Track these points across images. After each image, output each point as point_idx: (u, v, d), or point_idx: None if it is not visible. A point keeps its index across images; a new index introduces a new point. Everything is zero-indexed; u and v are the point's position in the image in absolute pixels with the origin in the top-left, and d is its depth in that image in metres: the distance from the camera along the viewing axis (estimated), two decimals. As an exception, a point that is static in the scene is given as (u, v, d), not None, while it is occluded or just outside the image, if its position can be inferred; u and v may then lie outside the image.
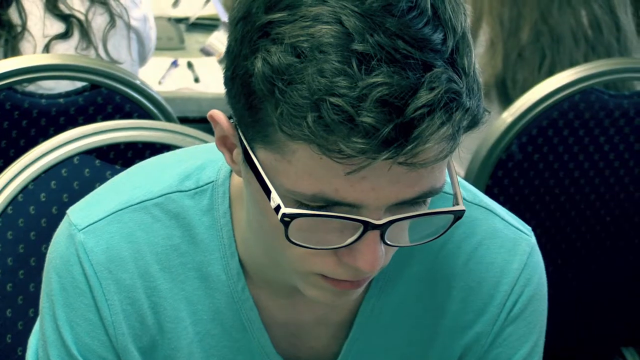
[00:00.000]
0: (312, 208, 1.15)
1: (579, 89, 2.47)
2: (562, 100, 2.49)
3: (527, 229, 1.49)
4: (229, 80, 1.19)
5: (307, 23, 1.10)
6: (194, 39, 3.35)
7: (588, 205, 2.53)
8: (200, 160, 1.45)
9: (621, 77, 2.54)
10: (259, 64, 1.12)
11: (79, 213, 1.42)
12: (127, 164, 1.57)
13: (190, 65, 3.19)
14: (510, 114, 2.49)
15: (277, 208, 1.15)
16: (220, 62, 3.17)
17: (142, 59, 2.75)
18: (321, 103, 1.08)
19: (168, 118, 2.21)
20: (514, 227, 1.48)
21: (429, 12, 1.10)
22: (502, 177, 2.49)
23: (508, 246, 1.46)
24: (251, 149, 1.19)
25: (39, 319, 1.47)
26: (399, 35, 1.08)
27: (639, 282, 2.54)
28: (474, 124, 1.15)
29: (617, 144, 2.58)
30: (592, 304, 2.25)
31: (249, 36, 1.15)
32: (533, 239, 1.49)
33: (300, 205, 1.15)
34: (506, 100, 2.51)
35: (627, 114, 2.55)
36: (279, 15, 1.11)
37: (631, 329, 2.76)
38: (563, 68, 2.52)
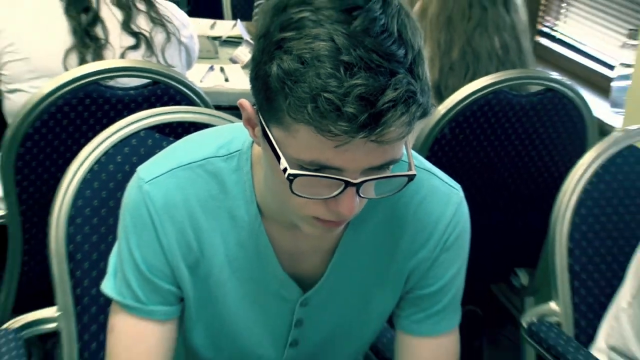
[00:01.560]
0: (309, 170, 1.17)
1: (491, 90, 2.47)
2: (479, 98, 2.49)
3: (457, 186, 1.51)
4: (253, 80, 1.21)
5: (309, 40, 1.11)
6: (225, 52, 3.33)
7: (496, 171, 2.55)
8: (231, 135, 1.46)
9: (520, 83, 2.53)
10: (274, 68, 1.13)
11: (145, 170, 1.42)
12: (178, 137, 1.55)
13: (222, 69, 3.18)
14: (444, 107, 2.49)
15: (285, 170, 1.17)
16: (243, 67, 3.17)
17: (189, 65, 2.71)
18: (317, 97, 1.09)
19: (206, 105, 2.19)
20: (448, 184, 1.49)
21: (395, 34, 1.11)
22: (437, 151, 2.51)
23: (444, 199, 1.47)
24: (267, 127, 1.20)
25: (116, 243, 1.47)
26: (374, 50, 1.10)
27: (528, 224, 2.55)
28: (424, 114, 1.16)
29: (517, 128, 2.58)
30: (497, 239, 2.26)
31: (267, 48, 1.16)
32: (461, 193, 1.50)
33: (301, 168, 1.17)
34: (440, 98, 2.53)
35: (524, 108, 2.56)
36: (289, 34, 1.12)
37: (523, 255, 2.76)
38: (481, 77, 2.54)
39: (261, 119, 1.24)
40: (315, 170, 1.20)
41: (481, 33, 2.76)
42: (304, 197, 1.24)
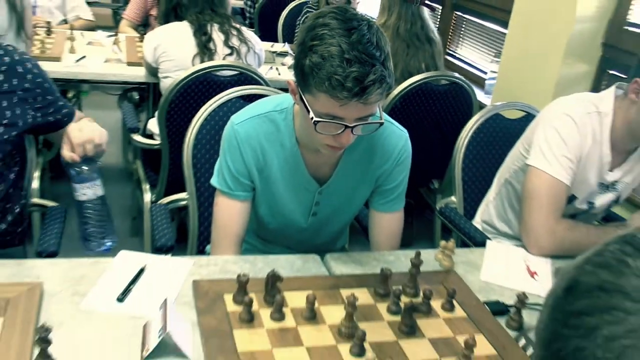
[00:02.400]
0: (325, 118, 1.32)
1: (422, 82, 2.73)
2: (416, 85, 2.73)
3: (405, 130, 1.63)
4: (295, 68, 1.35)
5: (326, 45, 1.26)
6: (278, 60, 3.50)
7: (425, 125, 2.82)
8: (282, 99, 1.58)
9: (437, 78, 2.79)
10: (307, 61, 1.28)
11: (235, 117, 1.56)
12: (252, 101, 1.64)
13: (277, 69, 3.33)
14: (396, 90, 2.72)
15: (312, 118, 1.32)
16: (288, 68, 3.31)
17: (259, 65, 2.86)
18: (331, 78, 1.24)
19: (267, 85, 2.31)
20: (400, 129, 1.62)
21: (375, 43, 1.27)
22: (393, 113, 2.70)
23: (398, 136, 1.61)
24: (302, 94, 1.34)
25: (218, 158, 1.60)
26: (363, 52, 1.25)
27: (440, 155, 2.69)
28: (389, 89, 1.31)
29: (436, 103, 2.83)
30: (424, 162, 2.42)
31: (303, 51, 1.30)
32: (407, 134, 1.62)
33: (320, 117, 1.32)
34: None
35: (440, 92, 2.81)
36: (315, 42, 1.27)
37: (437, 172, 3.03)
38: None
39: (299, 90, 1.37)
40: (329, 119, 1.33)
41: (413, 56, 2.97)
42: (323, 133, 1.37)
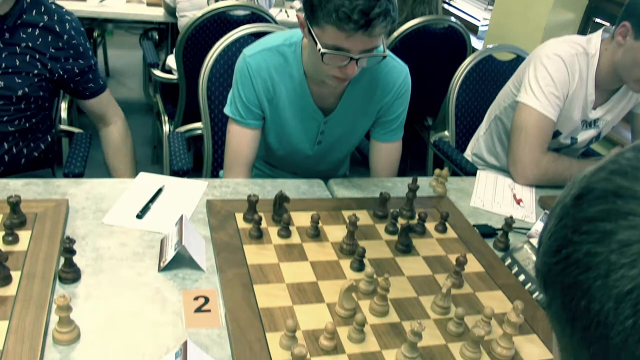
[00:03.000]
0: (332, 50, 1.26)
1: (422, 24, 2.65)
2: (415, 28, 2.66)
3: (405, 65, 1.55)
4: (305, 3, 1.27)
5: None
6: (288, 3, 3.38)
7: (423, 62, 2.67)
8: (291, 33, 1.51)
9: (436, 22, 2.69)
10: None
11: (247, 49, 1.50)
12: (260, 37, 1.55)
13: (286, 11, 3.24)
14: (397, 32, 2.63)
15: (319, 50, 1.25)
16: (297, 10, 3.21)
17: (269, 8, 2.77)
18: (338, 10, 1.18)
19: (276, 23, 2.25)
20: (400, 63, 1.54)
21: None
22: (395, 50, 2.56)
23: (399, 70, 1.53)
24: (310, 27, 1.27)
25: (231, 89, 1.54)
26: None
27: (435, 92, 2.69)
28: (393, 22, 1.23)
29: (434, 44, 2.74)
30: (421, 99, 2.31)
31: None
32: (407, 69, 1.55)
33: (327, 48, 1.25)
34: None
35: (438, 34, 2.72)
36: None
37: (431, 109, 2.96)
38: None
39: (307, 23, 1.30)
40: (335, 50, 1.27)
41: (419, 5, 2.86)
42: (329, 65, 1.31)
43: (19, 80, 1.48)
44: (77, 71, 1.58)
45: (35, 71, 1.50)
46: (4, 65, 1.45)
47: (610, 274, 0.35)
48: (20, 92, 1.48)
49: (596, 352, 0.35)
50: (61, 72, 1.55)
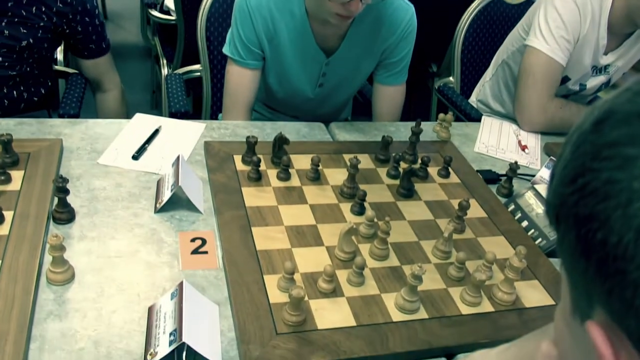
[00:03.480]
0: None
1: None
2: None
3: (411, 5, 1.50)
4: None
5: None
6: None
7: (424, 13, 2.40)
8: None
9: None
10: None
11: None
12: None
13: None
14: None
15: None
16: None
17: None
18: None
19: None
20: (406, 3, 1.49)
21: None
22: None
23: (405, 10, 1.48)
24: None
25: (230, 29, 1.47)
26: None
27: (441, 36, 2.49)
28: None
29: None
30: (426, 44, 2.21)
31: None
32: (413, 9, 1.49)
33: None
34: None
35: None
36: None
37: (436, 55, 2.86)
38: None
39: None
40: None
41: None
42: (334, 1, 1.27)
43: (24, 31, 1.44)
44: (80, 29, 1.54)
45: (41, 23, 1.46)
46: (10, 13, 1.41)
47: (631, 203, 0.32)
48: (24, 43, 1.45)
49: (612, 288, 0.33)
50: (65, 27, 1.51)
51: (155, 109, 3.03)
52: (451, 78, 2.12)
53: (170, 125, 1.40)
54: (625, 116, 0.34)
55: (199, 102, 1.94)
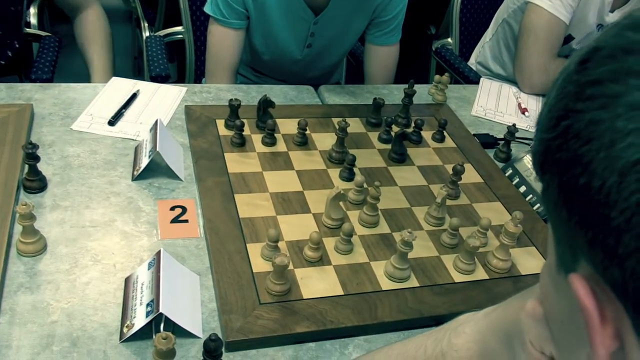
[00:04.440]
0: None
1: None
2: None
3: None
4: None
5: None
6: None
7: None
8: None
9: None
10: None
11: None
12: None
13: None
14: None
15: None
16: None
17: None
18: None
19: None
20: None
21: None
22: None
23: None
24: None
25: None
26: None
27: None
28: None
29: None
30: (419, 4, 2.23)
31: None
32: None
33: None
34: None
35: None
36: None
37: (434, 18, 2.77)
38: None
39: None
40: None
41: None
42: None
43: None
44: None
45: None
46: None
47: (615, 144, 0.31)
48: None
49: (595, 236, 0.32)
50: None
51: (137, 75, 2.99)
52: (449, 39, 2.09)
53: (148, 89, 1.39)
54: (611, 51, 0.33)
55: (184, 69, 1.91)
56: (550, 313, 0.41)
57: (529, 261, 1.04)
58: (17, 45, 1.60)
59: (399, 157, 1.25)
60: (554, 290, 0.39)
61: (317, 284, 0.92)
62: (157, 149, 1.07)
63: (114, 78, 1.41)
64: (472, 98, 1.61)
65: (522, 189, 1.23)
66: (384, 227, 1.06)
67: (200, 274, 0.92)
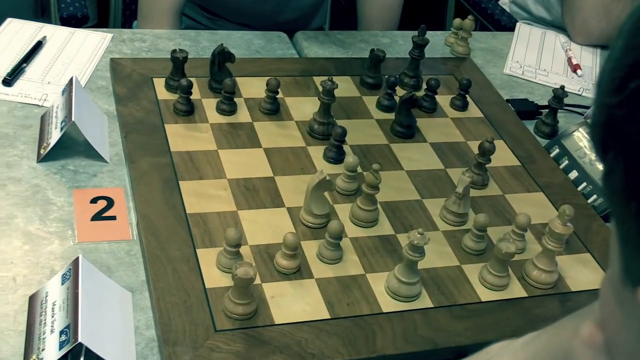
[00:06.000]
0: None
1: None
2: None
3: None
4: None
5: None
6: None
7: None
8: None
9: None
10: None
11: None
12: None
13: None
14: None
15: None
16: None
17: None
18: None
19: None
20: None
21: None
22: None
23: None
24: None
25: None
26: None
27: None
28: None
29: None
30: None
31: None
32: None
33: None
34: None
35: None
36: None
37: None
38: None
39: None
40: None
41: None
42: None
43: None
44: None
45: None
46: None
47: None
48: None
49: None
50: None
51: (41, 16, 2.98)
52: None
53: (59, 36, 1.40)
54: None
55: (105, 8, 1.94)
56: (614, 341, 0.42)
57: (582, 273, 1.06)
58: None
59: (406, 131, 1.27)
60: (619, 309, 0.40)
61: (293, 304, 0.93)
62: (73, 119, 1.09)
63: (9, 19, 1.42)
64: (505, 51, 1.64)
65: (573, 174, 1.26)
66: (384, 227, 1.08)
67: (133, 290, 0.93)
